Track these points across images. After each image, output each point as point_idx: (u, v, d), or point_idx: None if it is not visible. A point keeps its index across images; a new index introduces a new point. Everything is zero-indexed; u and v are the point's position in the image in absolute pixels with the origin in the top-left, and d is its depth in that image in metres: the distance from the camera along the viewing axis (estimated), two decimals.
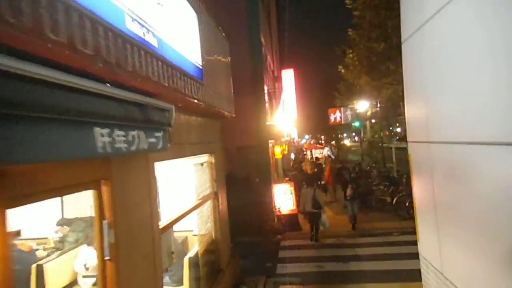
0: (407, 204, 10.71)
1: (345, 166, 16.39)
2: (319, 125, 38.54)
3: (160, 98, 3.26)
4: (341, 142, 37.88)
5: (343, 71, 12.47)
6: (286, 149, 17.36)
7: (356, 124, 19.54)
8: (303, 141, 57.48)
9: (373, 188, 13.93)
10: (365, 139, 21.34)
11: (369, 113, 18.26)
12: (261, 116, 10.82)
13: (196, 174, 5.29)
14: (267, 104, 11.83)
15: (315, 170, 16.11)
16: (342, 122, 14.33)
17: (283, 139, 16.40)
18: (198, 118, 5.16)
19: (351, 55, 11.76)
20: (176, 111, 3.60)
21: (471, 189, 2.40)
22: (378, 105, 17.70)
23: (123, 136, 2.49)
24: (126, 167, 2.97)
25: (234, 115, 6.21)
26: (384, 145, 20.01)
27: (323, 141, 52.46)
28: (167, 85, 3.20)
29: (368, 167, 19.77)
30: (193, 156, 5.02)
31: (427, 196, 3.38)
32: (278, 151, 12.23)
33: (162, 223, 3.61)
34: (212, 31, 5.30)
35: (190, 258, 4.84)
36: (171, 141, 3.47)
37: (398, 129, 22.90)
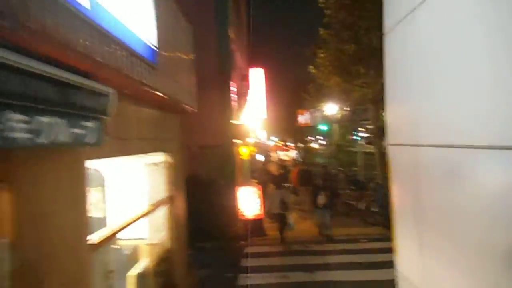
0: (374, 210, 10.47)
1: (310, 170, 15.80)
2: (288, 127, 38.42)
3: (97, 79, 2.56)
4: (309, 145, 37.93)
5: (314, 71, 12.06)
6: (254, 150, 16.81)
7: (323, 127, 19.41)
8: (271, 143, 57.39)
9: (339, 192, 13.67)
10: (332, 142, 21.26)
11: (338, 115, 18.11)
12: (227, 114, 10.18)
13: (148, 176, 4.57)
14: (234, 103, 11.22)
15: (282, 171, 15.74)
16: (311, 124, 13.95)
17: (250, 140, 15.85)
18: (151, 111, 4.45)
19: (322, 55, 11.37)
20: (121, 100, 2.91)
21: (466, 197, 2.07)
22: (348, 109, 17.58)
23: (25, 122, 1.78)
24: (41, 166, 2.24)
25: (196, 110, 5.54)
26: (350, 148, 20.00)
27: (291, 143, 52.60)
28: (102, 61, 2.49)
29: (333, 170, 19.68)
30: (144, 155, 4.31)
31: (410, 203, 2.99)
32: (244, 152, 11.62)
33: (96, 237, 2.89)
34: (170, 10, 4.61)
35: (137, 274, 4.12)
36: (109, 134, 2.77)
37: (362, 134, 23.04)
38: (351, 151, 19.78)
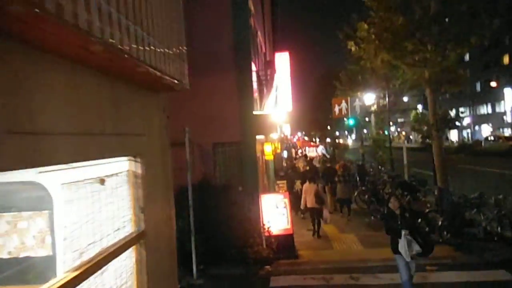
0: (439, 223, 8.05)
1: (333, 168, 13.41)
2: (315, 120, 35.85)
3: None
4: (337, 141, 35.30)
5: (353, 48, 9.69)
6: (279, 147, 14.62)
7: (351, 122, 16.73)
8: (295, 138, 54.92)
9: (385, 197, 11.29)
10: (369, 137, 18.71)
11: (374, 107, 15.56)
12: (247, 103, 8.04)
13: (91, 201, 2.49)
14: (256, 90, 9.11)
15: (307, 167, 14.68)
16: (349, 115, 11.62)
17: (274, 136, 13.68)
18: (100, 82, 2.38)
19: (366, 27, 8.99)
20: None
21: None
22: (388, 97, 15.04)
23: None
24: None
25: (188, 87, 3.43)
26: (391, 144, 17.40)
27: (317, 139, 49.94)
28: None
29: (370, 169, 17.15)
30: (85, 163, 2.25)
31: None
32: (268, 150, 9.46)
33: None
34: None
35: None
36: None
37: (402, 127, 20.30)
38: (389, 147, 17.19)
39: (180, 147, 6.52)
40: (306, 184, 9.63)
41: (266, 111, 9.14)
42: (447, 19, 8.59)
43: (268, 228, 7.84)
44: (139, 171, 2.94)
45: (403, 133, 56.99)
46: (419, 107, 17.83)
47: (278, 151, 14.28)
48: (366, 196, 11.92)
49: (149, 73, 2.66)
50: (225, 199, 7.57)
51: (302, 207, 9.83)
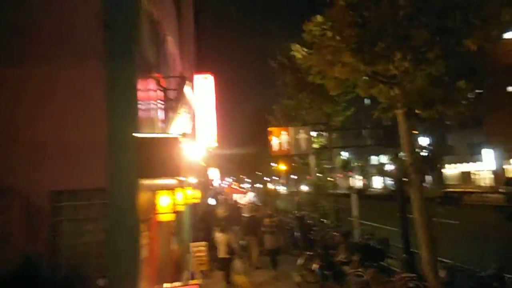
0: None
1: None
2: (245, 163, 32.74)
3: None
4: (268, 187, 32.40)
5: (299, 54, 6.72)
6: (198, 195, 10.88)
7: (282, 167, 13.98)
8: (223, 184, 51.18)
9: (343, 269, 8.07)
10: (311, 182, 15.89)
11: (315, 143, 12.81)
12: (125, 120, 4.37)
13: None
14: (151, 109, 5.57)
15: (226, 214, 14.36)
16: (292, 152, 8.49)
17: (192, 180, 10.01)
18: None
19: (321, 20, 6.11)
20: None
21: None
22: (330, 134, 12.46)
23: None
24: None
25: None
26: (332, 191, 14.68)
27: (247, 185, 46.75)
28: None
29: (311, 222, 14.06)
30: None
31: None
32: (179, 200, 5.81)
33: None
34: None
35: None
36: None
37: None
38: (333, 194, 14.44)
39: None
40: (219, 234, 9.47)
41: (171, 133, 5.49)
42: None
43: None
44: None
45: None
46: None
47: (197, 200, 10.51)
48: (315, 265, 8.60)
49: None
50: None
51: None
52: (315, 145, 11.70)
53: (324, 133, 13.62)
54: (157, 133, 5.06)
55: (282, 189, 36.10)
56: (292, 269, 10.46)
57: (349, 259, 8.45)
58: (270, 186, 35.88)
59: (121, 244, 4.11)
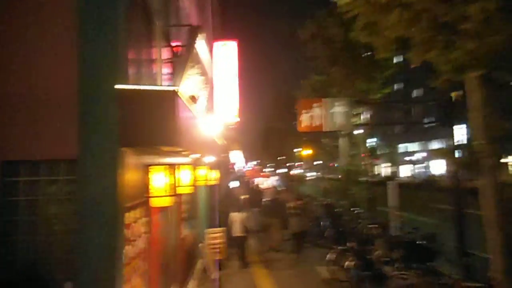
0: None
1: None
2: (269, 147, 31.42)
3: None
4: (292, 172, 31.04)
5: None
6: (217, 176, 9.76)
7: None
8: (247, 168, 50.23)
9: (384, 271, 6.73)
10: (340, 168, 14.48)
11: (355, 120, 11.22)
12: (106, 63, 3.13)
13: None
14: (154, 56, 4.35)
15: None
16: (325, 128, 7.04)
17: (209, 159, 8.87)
18: None
19: None
20: None
21: None
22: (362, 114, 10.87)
23: None
24: None
25: None
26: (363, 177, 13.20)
27: (269, 169, 45.60)
28: None
29: (339, 210, 12.66)
30: None
31: None
32: (185, 179, 4.58)
33: None
34: None
35: None
36: None
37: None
38: (365, 181, 12.97)
39: None
40: (234, 213, 9.59)
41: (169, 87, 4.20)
42: None
43: None
44: None
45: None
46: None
47: (214, 182, 9.39)
48: (349, 263, 7.31)
49: None
50: None
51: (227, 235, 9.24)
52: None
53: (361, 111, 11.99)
54: (148, 85, 3.80)
55: (306, 174, 34.71)
56: (317, 263, 9.26)
57: (389, 258, 7.10)
58: (293, 171, 34.60)
59: (96, 236, 2.95)
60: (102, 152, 2.98)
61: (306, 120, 6.71)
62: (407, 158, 61.08)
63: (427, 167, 56.70)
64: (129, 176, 3.28)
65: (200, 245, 7.15)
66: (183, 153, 5.53)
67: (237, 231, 9.35)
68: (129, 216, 3.60)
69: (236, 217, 9.48)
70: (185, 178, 4.80)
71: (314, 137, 23.78)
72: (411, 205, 14.74)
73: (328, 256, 7.94)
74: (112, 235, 2.99)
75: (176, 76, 4.77)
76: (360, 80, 12.28)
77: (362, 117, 10.43)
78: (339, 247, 7.95)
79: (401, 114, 27.52)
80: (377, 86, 12.56)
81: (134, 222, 3.96)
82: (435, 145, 54.82)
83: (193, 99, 4.71)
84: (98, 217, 2.95)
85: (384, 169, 58.62)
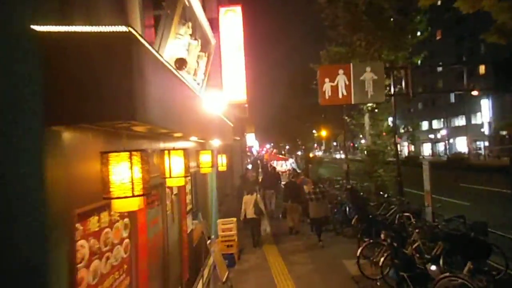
0: None
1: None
2: (286, 129, 30.15)
3: None
4: (311, 153, 29.77)
5: None
6: (224, 162, 8.68)
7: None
8: (263, 151, 49.15)
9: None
10: (363, 147, 13.18)
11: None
12: None
13: None
14: None
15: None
16: (352, 100, 5.79)
17: (215, 142, 7.90)
18: None
19: None
20: None
21: None
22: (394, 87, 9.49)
23: None
24: None
25: None
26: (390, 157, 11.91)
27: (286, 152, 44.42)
28: None
29: (363, 195, 11.41)
30: None
31: None
32: (177, 168, 3.52)
33: None
34: None
35: None
36: None
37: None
38: (393, 162, 11.69)
39: None
40: (246, 196, 9.67)
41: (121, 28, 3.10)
42: None
43: None
44: None
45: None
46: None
47: (222, 167, 8.35)
48: (382, 258, 6.19)
49: None
50: None
51: (241, 218, 9.57)
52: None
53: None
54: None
55: (324, 156, 33.34)
56: (344, 255, 8.20)
57: (432, 254, 5.93)
58: (312, 153, 33.30)
59: (15, 253, 1.91)
60: (18, 134, 1.90)
61: (329, 91, 5.47)
62: (430, 136, 58.81)
63: (451, 145, 54.38)
64: (75, 170, 2.21)
65: (208, 242, 6.14)
66: (175, 135, 4.45)
67: (250, 213, 9.30)
68: (90, 223, 2.58)
69: (249, 199, 9.42)
70: (175, 167, 3.74)
71: (334, 115, 22.38)
72: (442, 187, 13.40)
73: (358, 251, 6.84)
74: (47, 255, 1.94)
75: (158, 32, 3.64)
76: (386, 49, 10.84)
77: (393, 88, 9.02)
78: (370, 240, 6.82)
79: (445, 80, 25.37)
80: (407, 54, 11.10)
81: (106, 228, 2.96)
82: (459, 121, 52.41)
83: (181, 63, 3.57)
84: (18, 223, 1.90)
85: (405, 148, 56.49)
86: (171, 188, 5.28)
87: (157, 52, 2.95)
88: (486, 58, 38.98)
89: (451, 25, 48.16)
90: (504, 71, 5.37)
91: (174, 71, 3.48)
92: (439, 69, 52.14)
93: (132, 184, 2.35)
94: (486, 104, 44.08)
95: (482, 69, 43.03)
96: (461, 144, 51.65)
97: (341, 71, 5.47)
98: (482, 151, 44.09)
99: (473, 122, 48.44)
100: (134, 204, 2.39)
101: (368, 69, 5.53)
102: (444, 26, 48.65)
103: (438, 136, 57.55)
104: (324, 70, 5.73)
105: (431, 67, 50.81)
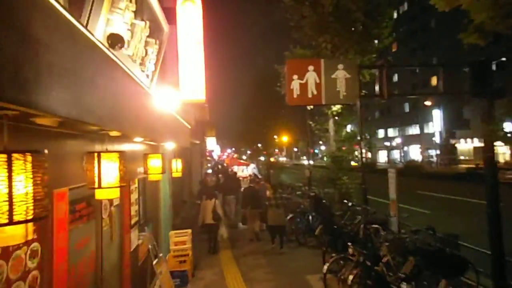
0: None
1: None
2: (247, 133, 29.47)
3: None
4: (273, 158, 29.28)
5: None
6: (178, 167, 7.76)
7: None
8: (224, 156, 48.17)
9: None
10: (326, 153, 12.75)
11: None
12: None
13: None
14: None
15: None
16: (323, 100, 5.20)
17: (169, 145, 7.01)
18: None
19: None
20: None
21: None
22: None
23: None
24: None
25: None
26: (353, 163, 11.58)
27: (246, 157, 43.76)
28: None
29: (326, 203, 10.96)
30: None
31: None
32: (112, 175, 2.71)
33: None
34: None
35: None
36: None
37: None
38: (357, 169, 11.36)
39: None
40: (205, 201, 9.27)
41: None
42: None
43: None
44: None
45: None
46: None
47: (177, 173, 7.49)
48: (351, 276, 5.62)
49: None
50: None
51: (199, 223, 9.30)
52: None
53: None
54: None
55: (285, 161, 33.04)
56: (307, 269, 7.61)
57: (406, 272, 5.45)
58: (273, 158, 32.88)
59: None
60: None
61: (298, 89, 4.85)
62: (386, 144, 60.94)
63: (405, 153, 56.63)
64: None
65: (154, 262, 5.23)
66: (112, 134, 3.58)
67: (208, 219, 9.01)
68: None
69: (208, 204, 9.12)
70: (107, 175, 2.89)
71: (295, 120, 22.08)
72: (401, 194, 13.35)
73: (324, 267, 6.24)
74: None
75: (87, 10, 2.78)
76: (353, 52, 10.52)
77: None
78: (338, 255, 6.25)
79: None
80: (371, 59, 10.85)
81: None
82: (412, 130, 54.74)
83: (115, 39, 2.75)
84: None
85: (360, 155, 57.89)
86: (110, 198, 4.38)
87: (85, 27, 2.14)
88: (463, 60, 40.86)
89: (404, 38, 50.32)
90: (480, 75, 5.03)
91: (107, 51, 2.66)
92: (395, 78, 54.38)
93: (10, 204, 1.50)
94: (437, 114, 46.41)
95: (434, 80, 45.13)
96: (415, 152, 53.98)
97: (311, 68, 4.87)
98: (434, 159, 46.27)
99: (425, 131, 50.76)
100: (14, 234, 1.54)
101: (340, 66, 4.97)
102: (399, 39, 50.84)
103: (394, 144, 59.72)
104: (292, 65, 5.09)
105: (410, 67, 52.43)
